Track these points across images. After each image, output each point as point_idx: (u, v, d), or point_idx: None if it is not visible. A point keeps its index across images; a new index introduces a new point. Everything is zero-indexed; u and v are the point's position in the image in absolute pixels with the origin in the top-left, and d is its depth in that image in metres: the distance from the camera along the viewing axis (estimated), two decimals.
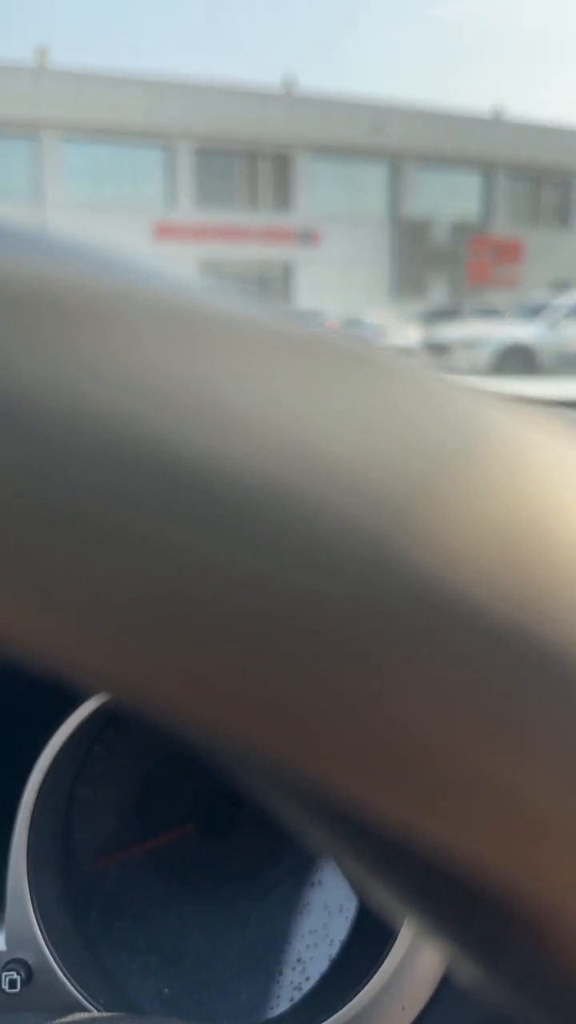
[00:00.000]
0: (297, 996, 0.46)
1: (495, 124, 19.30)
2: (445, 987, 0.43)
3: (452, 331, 10.51)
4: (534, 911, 0.08)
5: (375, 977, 0.42)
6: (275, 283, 17.94)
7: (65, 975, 0.42)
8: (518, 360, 9.50)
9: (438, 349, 9.85)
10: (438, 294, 18.75)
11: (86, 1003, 0.42)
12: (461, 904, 0.09)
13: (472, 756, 0.08)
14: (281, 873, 0.49)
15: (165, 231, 16.68)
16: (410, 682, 0.08)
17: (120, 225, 16.01)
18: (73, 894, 0.47)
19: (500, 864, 0.08)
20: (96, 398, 0.08)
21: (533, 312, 10.21)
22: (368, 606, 0.08)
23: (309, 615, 0.08)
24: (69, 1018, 0.37)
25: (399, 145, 18.33)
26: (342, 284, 18.15)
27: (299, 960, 0.47)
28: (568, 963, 0.09)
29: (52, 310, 0.08)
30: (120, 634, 0.07)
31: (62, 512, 0.07)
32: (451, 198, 19.49)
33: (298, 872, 0.49)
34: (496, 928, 0.09)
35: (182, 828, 0.49)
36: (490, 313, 12.33)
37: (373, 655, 0.08)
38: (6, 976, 0.42)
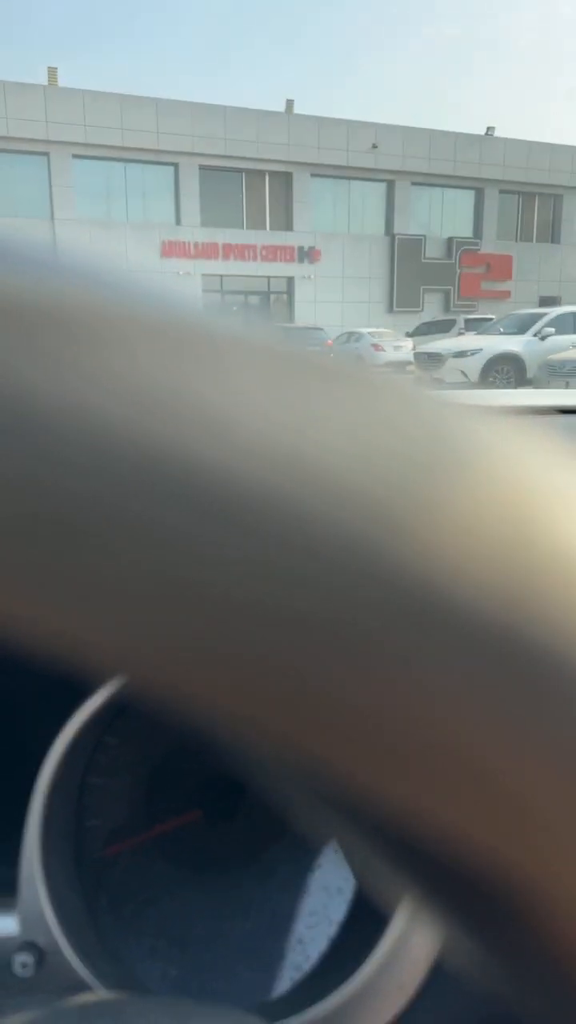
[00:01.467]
0: (298, 976, 0.47)
1: (487, 141, 19.49)
2: (442, 967, 0.44)
3: (445, 343, 10.59)
4: (530, 897, 0.09)
5: (373, 957, 0.43)
6: (277, 299, 18.04)
7: (76, 958, 0.43)
8: (510, 369, 9.59)
9: (432, 359, 9.91)
10: (432, 307, 18.88)
11: (96, 985, 0.43)
12: (458, 888, 0.10)
13: (468, 747, 0.08)
14: (283, 856, 0.50)
15: (171, 248, 16.80)
16: (407, 676, 0.08)
17: (127, 242, 16.12)
18: (84, 879, 0.48)
19: (498, 849, 0.08)
20: (98, 410, 0.08)
21: (523, 324, 10.30)
22: (365, 606, 0.08)
23: (308, 614, 0.08)
24: (79, 999, 0.38)
25: (395, 163, 18.51)
26: (341, 299, 18.28)
27: (300, 941, 0.48)
28: (561, 949, 0.09)
29: (56, 326, 0.08)
30: (131, 636, 0.08)
31: (68, 519, 0.08)
32: (445, 215, 19.65)
33: (299, 855, 0.50)
34: (492, 913, 0.09)
35: (189, 814, 0.51)
36: (482, 325, 12.42)
37: (365, 654, 0.08)
38: (19, 959, 0.44)
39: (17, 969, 0.44)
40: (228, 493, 0.08)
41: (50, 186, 16.20)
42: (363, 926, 0.46)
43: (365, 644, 0.08)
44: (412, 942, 0.44)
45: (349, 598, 0.08)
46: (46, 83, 16.20)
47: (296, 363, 0.09)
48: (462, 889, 0.09)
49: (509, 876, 0.09)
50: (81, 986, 0.43)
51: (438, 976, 0.44)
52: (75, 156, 16.24)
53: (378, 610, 0.08)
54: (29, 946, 0.44)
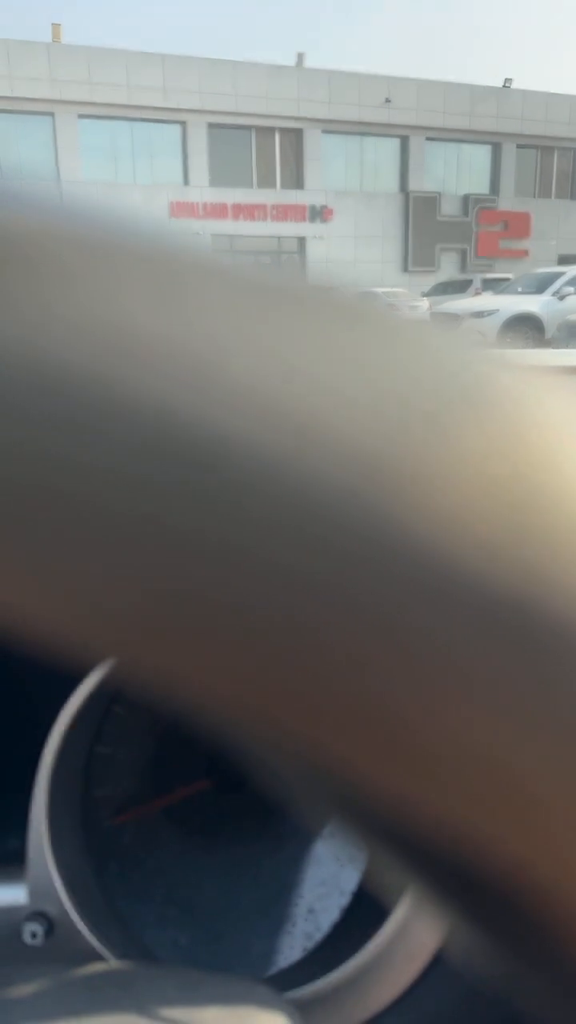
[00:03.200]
0: (309, 945, 0.47)
1: (505, 95, 18.93)
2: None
3: (462, 303, 10.43)
4: (532, 885, 0.08)
5: (385, 927, 0.43)
6: (288, 259, 17.80)
7: (85, 927, 0.43)
8: (528, 330, 9.45)
9: (449, 320, 9.77)
10: (449, 266, 18.55)
11: (105, 954, 0.43)
12: (459, 877, 0.09)
13: (469, 729, 0.08)
14: (293, 826, 0.50)
15: (179, 209, 16.56)
16: (405, 654, 0.07)
17: (134, 203, 15.87)
18: (92, 848, 0.48)
19: (498, 838, 0.08)
20: (55, 349, 0.07)
21: (541, 283, 10.12)
22: (361, 576, 0.07)
23: (298, 588, 0.07)
24: (88, 968, 0.38)
25: (409, 118, 18.05)
26: (354, 259, 18.00)
27: (311, 911, 0.48)
28: (565, 936, 0.09)
29: (15, 258, 0.07)
30: (109, 607, 0.07)
31: (37, 481, 0.07)
32: (461, 171, 19.20)
33: (310, 824, 0.50)
34: (497, 903, 0.09)
35: (197, 783, 0.50)
36: (499, 285, 12.21)
37: (368, 626, 0.07)
38: (28, 928, 0.43)
39: (27, 938, 0.44)
40: (205, 446, 0.07)
41: (56, 147, 15.96)
42: (376, 895, 0.45)
43: (360, 618, 0.07)
44: (425, 913, 0.43)
45: (342, 567, 0.07)
46: (50, 41, 15.86)
47: (285, 296, 0.08)
48: (464, 880, 0.09)
49: (514, 866, 0.08)
50: (91, 955, 0.43)
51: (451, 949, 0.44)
52: (81, 116, 15.96)
53: (375, 581, 0.07)
54: (38, 915, 0.44)
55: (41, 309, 0.07)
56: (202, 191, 16.88)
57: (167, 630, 0.07)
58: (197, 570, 0.07)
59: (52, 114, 15.83)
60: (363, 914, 0.46)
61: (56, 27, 16.16)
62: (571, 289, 9.72)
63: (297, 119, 17.36)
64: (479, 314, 9.51)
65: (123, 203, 0.09)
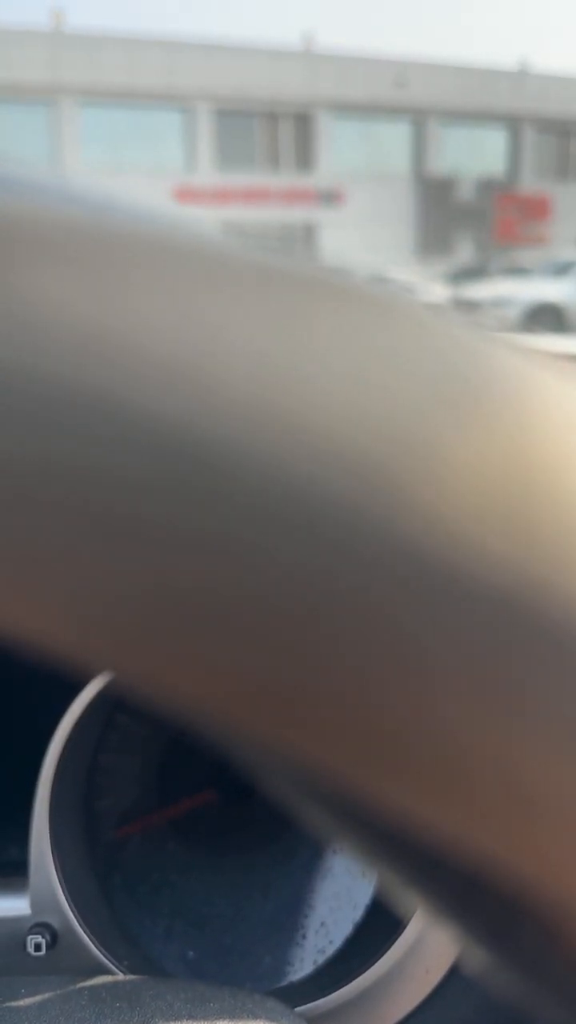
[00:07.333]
0: (321, 960, 0.46)
1: (521, 77, 18.65)
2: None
3: (480, 290, 10.34)
4: (542, 900, 0.08)
5: (399, 941, 0.42)
6: (298, 245, 17.69)
7: (89, 939, 0.42)
8: (547, 319, 9.36)
9: (466, 308, 9.68)
10: (464, 253, 18.36)
11: (111, 966, 0.42)
12: (467, 892, 0.09)
13: (472, 739, 0.07)
14: (304, 838, 0.49)
15: (184, 194, 16.49)
16: (400, 662, 0.07)
17: (139, 189, 15.85)
18: (97, 859, 0.47)
19: (505, 852, 0.08)
20: (28, 345, 0.06)
21: (561, 270, 10.02)
22: (353, 585, 0.07)
23: (288, 594, 0.07)
24: (93, 981, 0.37)
25: (422, 101, 17.83)
26: (366, 244, 17.85)
27: (323, 924, 0.47)
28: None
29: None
30: (95, 616, 0.07)
31: (32, 488, 0.06)
32: (477, 154, 18.96)
33: (321, 836, 0.48)
34: (503, 917, 0.09)
35: (204, 794, 0.49)
36: (518, 272, 12.09)
37: (361, 634, 0.07)
38: (31, 940, 0.43)
39: (30, 949, 0.43)
40: (186, 451, 0.07)
41: (58, 136, 15.90)
42: (389, 909, 0.44)
43: (365, 627, 0.07)
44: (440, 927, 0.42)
45: (336, 581, 0.07)
46: (51, 28, 15.80)
47: (274, 276, 0.08)
48: (472, 893, 0.09)
49: (525, 880, 0.08)
50: (96, 967, 0.43)
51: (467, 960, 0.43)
52: (84, 104, 15.90)
53: (376, 599, 0.07)
54: (42, 927, 0.43)
55: (29, 302, 0.07)
56: (210, 177, 16.73)
57: (164, 640, 0.07)
58: (195, 578, 0.07)
59: (55, 103, 15.76)
60: (377, 927, 0.45)
61: (57, 14, 16.07)
62: None
63: (306, 103, 17.20)
64: (499, 302, 9.41)
65: (121, 190, 0.08)
